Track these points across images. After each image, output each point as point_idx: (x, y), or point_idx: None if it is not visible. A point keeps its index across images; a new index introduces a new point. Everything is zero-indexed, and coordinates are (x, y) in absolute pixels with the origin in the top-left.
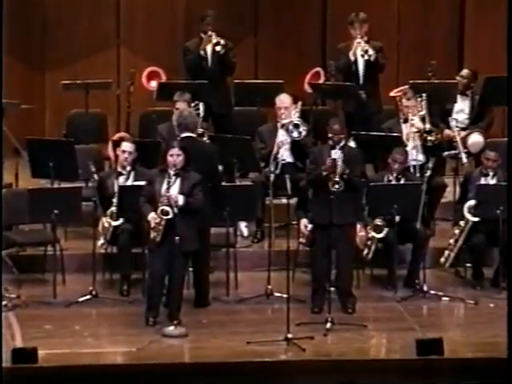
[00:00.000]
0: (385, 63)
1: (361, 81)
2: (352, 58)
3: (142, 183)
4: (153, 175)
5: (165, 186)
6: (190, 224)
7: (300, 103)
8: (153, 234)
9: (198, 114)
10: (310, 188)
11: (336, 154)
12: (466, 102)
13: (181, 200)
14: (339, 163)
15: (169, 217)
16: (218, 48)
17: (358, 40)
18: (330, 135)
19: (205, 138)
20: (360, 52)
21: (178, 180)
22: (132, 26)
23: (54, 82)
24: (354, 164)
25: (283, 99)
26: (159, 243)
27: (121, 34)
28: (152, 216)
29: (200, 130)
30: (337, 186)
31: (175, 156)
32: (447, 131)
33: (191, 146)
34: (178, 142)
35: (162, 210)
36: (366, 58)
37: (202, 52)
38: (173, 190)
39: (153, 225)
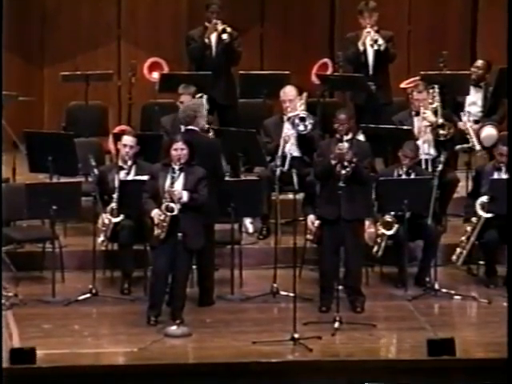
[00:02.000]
0: (395, 53)
1: (370, 72)
2: (361, 48)
3: (144, 178)
4: (155, 170)
5: (168, 182)
6: (195, 220)
7: (305, 95)
8: (157, 231)
9: None
10: (316, 181)
11: (343, 146)
12: (479, 93)
13: (185, 196)
14: (347, 151)
15: (174, 213)
16: (224, 36)
17: (368, 29)
18: (335, 125)
19: (210, 132)
20: (369, 42)
21: (182, 175)
22: (133, 17)
23: (53, 75)
24: (362, 158)
25: (288, 92)
26: (163, 240)
27: (122, 24)
28: (156, 212)
29: None
30: (344, 172)
31: (179, 150)
32: (460, 123)
33: (193, 140)
34: (182, 136)
35: (167, 206)
36: (376, 47)
37: (206, 41)
38: (177, 185)
39: (157, 221)
